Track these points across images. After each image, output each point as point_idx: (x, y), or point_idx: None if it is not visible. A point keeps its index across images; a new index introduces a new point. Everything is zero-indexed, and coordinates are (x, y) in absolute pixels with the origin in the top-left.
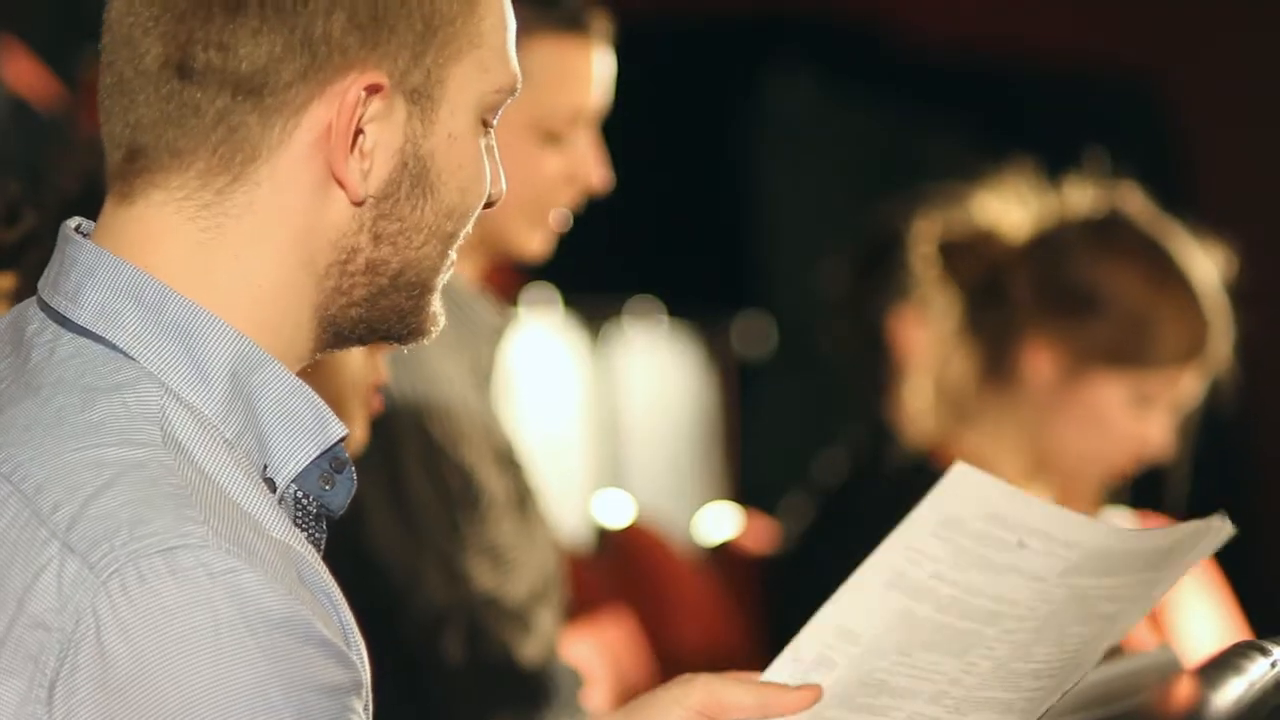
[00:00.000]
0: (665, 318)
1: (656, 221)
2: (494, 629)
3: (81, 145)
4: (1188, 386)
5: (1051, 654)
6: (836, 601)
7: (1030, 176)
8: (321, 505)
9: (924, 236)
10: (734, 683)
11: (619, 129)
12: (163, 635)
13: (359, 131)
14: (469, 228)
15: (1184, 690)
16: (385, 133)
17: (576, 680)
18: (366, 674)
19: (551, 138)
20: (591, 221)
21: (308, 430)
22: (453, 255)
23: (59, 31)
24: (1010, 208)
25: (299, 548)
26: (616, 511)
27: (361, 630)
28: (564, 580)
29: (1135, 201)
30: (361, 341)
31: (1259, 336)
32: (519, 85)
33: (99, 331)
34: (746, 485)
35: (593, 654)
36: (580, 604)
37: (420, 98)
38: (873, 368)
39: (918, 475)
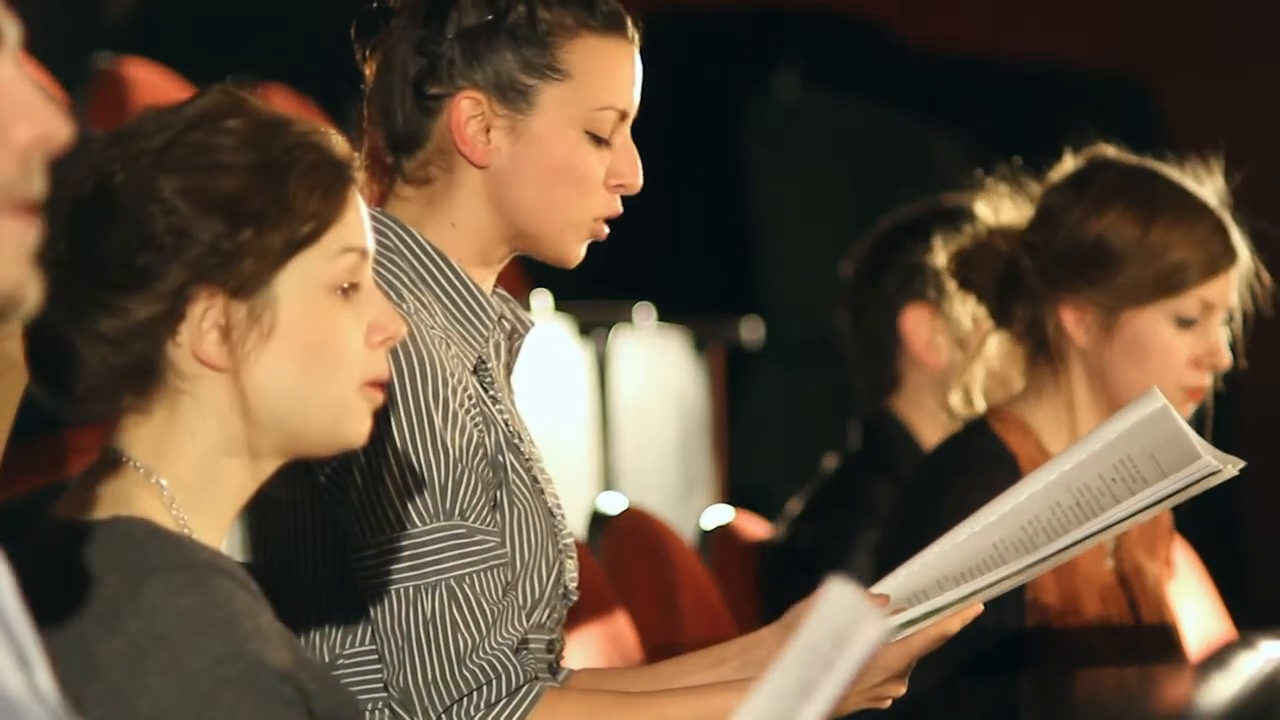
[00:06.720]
0: (662, 319)
1: (652, 223)
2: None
3: (94, 142)
4: (1224, 294)
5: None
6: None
7: (1020, 173)
8: None
9: (940, 253)
10: None
11: None
12: None
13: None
14: None
15: (1178, 687)
16: None
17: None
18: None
19: (598, 140)
20: None
21: None
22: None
23: (66, 39)
24: (1005, 205)
25: None
26: (613, 510)
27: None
28: (555, 569)
29: (1108, 152)
30: None
31: (1253, 334)
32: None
33: None
34: (741, 487)
35: (592, 642)
36: (580, 593)
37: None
38: (883, 363)
39: (978, 436)
